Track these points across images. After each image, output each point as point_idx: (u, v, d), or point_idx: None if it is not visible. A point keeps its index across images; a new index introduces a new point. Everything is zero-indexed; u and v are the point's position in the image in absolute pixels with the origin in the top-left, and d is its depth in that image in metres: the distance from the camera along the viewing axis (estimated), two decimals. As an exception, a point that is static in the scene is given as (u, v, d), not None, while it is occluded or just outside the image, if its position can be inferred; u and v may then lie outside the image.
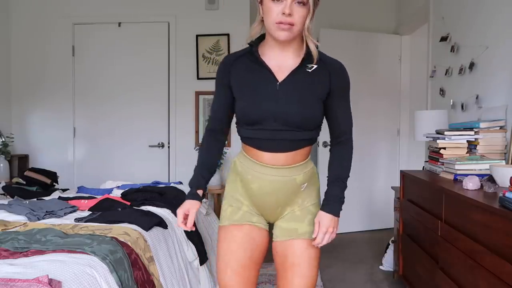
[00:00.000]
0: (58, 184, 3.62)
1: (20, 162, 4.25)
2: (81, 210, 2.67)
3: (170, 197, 2.85)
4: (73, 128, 4.44)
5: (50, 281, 1.44)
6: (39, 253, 1.75)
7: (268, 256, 1.64)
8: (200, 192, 1.58)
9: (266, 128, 1.44)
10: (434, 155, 2.62)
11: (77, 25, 4.41)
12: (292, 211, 1.55)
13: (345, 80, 1.51)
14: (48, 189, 3.40)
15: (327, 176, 1.56)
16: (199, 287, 2.56)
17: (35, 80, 4.44)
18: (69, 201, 2.77)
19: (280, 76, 1.45)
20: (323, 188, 1.57)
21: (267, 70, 1.46)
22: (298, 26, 1.39)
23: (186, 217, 1.54)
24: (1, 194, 3.16)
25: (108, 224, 2.23)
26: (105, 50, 4.40)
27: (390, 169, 4.77)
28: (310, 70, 1.45)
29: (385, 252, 3.53)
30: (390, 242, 3.47)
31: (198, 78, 4.31)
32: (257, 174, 1.50)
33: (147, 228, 2.26)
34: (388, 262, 3.46)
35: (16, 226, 2.19)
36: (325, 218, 1.49)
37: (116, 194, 3.05)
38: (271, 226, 1.62)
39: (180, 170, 4.31)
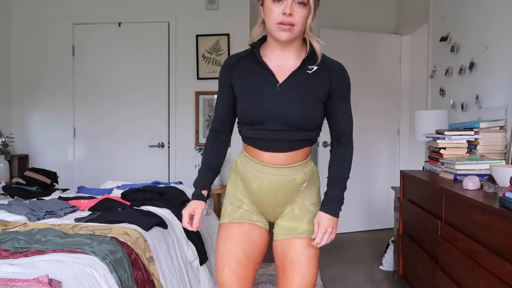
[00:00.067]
0: (58, 184, 3.62)
1: (20, 162, 4.25)
2: (81, 210, 2.67)
3: (170, 197, 2.85)
4: (73, 128, 4.44)
5: (50, 281, 1.44)
6: (39, 253, 1.75)
7: (268, 256, 1.65)
8: (205, 192, 1.60)
9: (267, 128, 1.46)
10: (434, 155, 2.62)
11: (77, 25, 4.41)
12: (292, 210, 1.56)
13: (345, 81, 1.52)
14: (48, 189, 3.40)
15: (327, 177, 1.57)
16: (199, 287, 2.56)
17: (35, 80, 4.44)
18: (69, 201, 2.77)
19: (281, 77, 1.47)
20: (323, 188, 1.58)
21: (268, 71, 1.47)
22: (298, 27, 1.40)
23: (191, 217, 1.56)
24: (1, 194, 3.16)
25: (108, 224, 2.23)
26: (105, 50, 4.40)
27: (390, 169, 4.77)
28: (310, 72, 1.46)
29: (385, 252, 3.53)
30: (390, 242, 3.47)
31: (198, 78, 4.31)
32: (258, 173, 1.51)
33: (147, 228, 2.26)
34: (388, 262, 3.46)
35: (16, 226, 2.19)
36: (324, 218, 1.50)
37: (116, 194, 3.05)
38: (271, 225, 1.63)
39: (180, 170, 4.31)
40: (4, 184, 3.36)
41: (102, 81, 4.41)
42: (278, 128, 1.45)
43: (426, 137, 2.78)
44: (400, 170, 3.00)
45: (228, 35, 4.23)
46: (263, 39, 1.52)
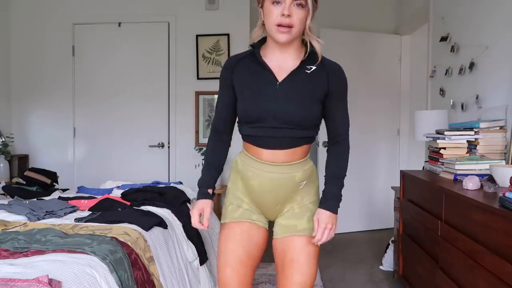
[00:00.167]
0: (58, 184, 3.62)
1: (20, 162, 4.25)
2: (81, 210, 2.67)
3: (170, 197, 2.84)
4: (73, 128, 4.44)
5: (50, 281, 1.44)
6: (39, 253, 1.75)
7: (268, 256, 1.66)
8: (210, 191, 1.63)
9: (267, 126, 1.49)
10: (434, 155, 2.62)
11: (77, 25, 4.40)
12: (291, 209, 1.58)
13: (343, 82, 1.55)
14: (48, 189, 3.40)
15: (325, 175, 1.59)
16: (199, 287, 2.56)
17: (35, 80, 4.44)
18: (69, 201, 2.77)
19: (280, 76, 1.50)
20: (322, 187, 1.59)
21: (268, 71, 1.51)
22: (296, 28, 1.44)
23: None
24: (1, 194, 3.16)
25: (108, 224, 2.23)
26: (105, 50, 4.40)
27: (390, 169, 4.77)
28: (309, 71, 1.50)
29: (385, 252, 3.53)
30: (390, 242, 3.47)
31: (198, 78, 4.31)
32: (257, 171, 1.54)
33: (147, 228, 2.26)
34: (388, 262, 3.46)
35: (16, 226, 2.19)
36: (323, 215, 1.52)
37: (116, 194, 3.05)
38: (271, 224, 1.64)
39: (180, 170, 4.31)
40: (4, 184, 3.36)
41: (102, 81, 4.41)
42: (278, 126, 1.48)
43: (426, 137, 2.78)
44: (400, 170, 3.00)
45: (228, 35, 4.23)
46: (263, 41, 1.55)
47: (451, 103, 3.16)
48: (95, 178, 4.10)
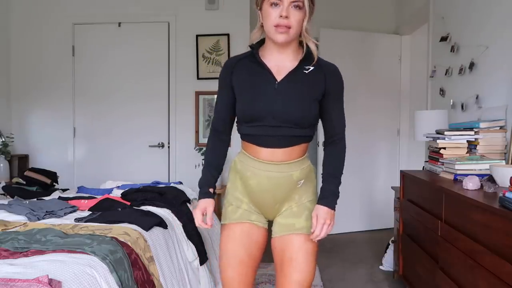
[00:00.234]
0: (58, 184, 3.62)
1: (20, 162, 4.25)
2: (81, 210, 2.67)
3: (170, 197, 2.84)
4: (73, 128, 4.44)
5: (50, 281, 1.44)
6: (39, 253, 1.75)
7: (268, 257, 1.68)
8: (211, 190, 1.66)
9: (266, 125, 1.52)
10: (434, 155, 2.62)
11: (77, 25, 4.40)
12: (289, 207, 1.60)
13: (339, 82, 1.60)
14: (48, 189, 3.40)
15: (322, 174, 1.63)
16: (199, 287, 2.56)
17: (35, 80, 4.44)
18: (69, 201, 2.77)
19: (279, 76, 1.54)
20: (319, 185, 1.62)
21: (266, 70, 1.54)
22: (294, 29, 1.48)
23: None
24: (1, 194, 3.16)
25: (108, 224, 2.23)
26: (105, 50, 4.40)
27: (390, 169, 4.77)
28: (307, 72, 1.54)
29: (385, 252, 3.53)
30: (390, 242, 3.47)
31: (198, 78, 4.31)
32: (256, 171, 1.57)
33: (147, 228, 2.26)
34: (388, 262, 3.46)
35: (16, 226, 2.19)
36: (322, 211, 1.55)
37: (116, 194, 3.05)
38: (271, 224, 1.66)
39: (180, 170, 4.31)
40: (4, 184, 3.36)
41: (102, 81, 4.41)
42: (277, 125, 1.51)
43: (426, 137, 2.78)
44: (400, 170, 3.00)
45: (228, 35, 4.23)
46: (262, 42, 1.59)
47: (451, 103, 3.16)
48: (95, 178, 4.10)
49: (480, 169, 2.22)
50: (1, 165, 3.92)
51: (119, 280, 1.75)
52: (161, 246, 2.28)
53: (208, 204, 1.62)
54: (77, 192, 3.28)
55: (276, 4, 1.45)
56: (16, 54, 4.44)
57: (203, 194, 1.64)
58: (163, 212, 2.58)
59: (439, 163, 2.53)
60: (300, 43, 1.56)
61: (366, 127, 4.61)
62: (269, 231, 1.65)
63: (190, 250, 2.56)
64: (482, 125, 2.41)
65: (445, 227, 2.10)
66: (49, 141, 4.44)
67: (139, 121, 4.37)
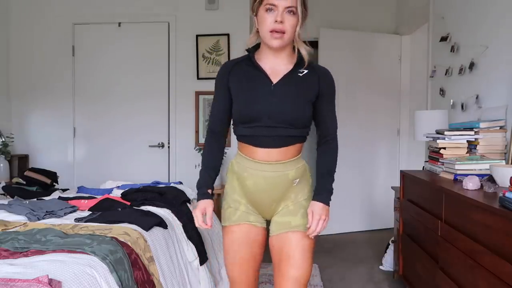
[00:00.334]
0: (58, 184, 3.62)
1: (20, 162, 4.25)
2: (81, 210, 2.67)
3: (170, 197, 2.84)
4: (73, 128, 4.44)
5: (50, 281, 1.44)
6: (39, 253, 1.75)
7: (267, 257, 1.71)
8: (209, 191, 1.70)
9: (262, 125, 1.58)
10: (434, 155, 2.62)
11: (77, 25, 4.41)
12: (286, 206, 1.66)
13: (332, 85, 1.67)
14: (48, 189, 3.40)
15: (316, 171, 1.68)
16: (199, 287, 2.56)
17: (35, 80, 4.44)
18: (69, 201, 2.77)
19: (274, 78, 1.60)
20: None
21: (263, 73, 1.61)
22: (288, 34, 1.55)
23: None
24: (1, 194, 3.16)
25: (108, 224, 2.23)
26: (105, 50, 4.40)
27: (390, 169, 4.77)
28: (301, 74, 1.61)
29: (385, 252, 3.53)
30: (390, 242, 3.47)
31: (198, 78, 4.31)
32: (252, 171, 1.62)
33: (147, 228, 2.26)
34: (388, 262, 3.46)
35: (16, 226, 2.19)
36: (317, 207, 1.60)
37: (116, 194, 3.05)
38: (269, 223, 1.71)
39: (180, 170, 4.31)
40: (4, 184, 3.36)
41: (102, 81, 4.41)
42: (273, 125, 1.57)
43: (426, 137, 2.78)
44: (400, 170, 3.00)
45: (228, 35, 4.23)
46: (257, 47, 1.66)
47: (451, 103, 3.16)
48: (95, 178, 4.10)
49: (480, 169, 2.22)
50: (1, 165, 3.92)
51: (119, 280, 1.75)
52: (161, 246, 2.28)
53: (207, 204, 1.66)
54: (77, 192, 3.28)
55: (271, 10, 1.52)
56: (16, 54, 4.44)
57: (202, 195, 1.67)
58: (163, 212, 2.58)
59: (439, 163, 2.53)
60: (294, 48, 1.62)
61: (366, 127, 4.61)
62: (267, 230, 1.70)
63: (190, 250, 2.56)
64: (482, 125, 2.41)
65: (445, 227, 2.10)
66: (49, 141, 4.44)
67: (139, 121, 4.37)
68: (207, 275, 2.64)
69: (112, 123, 4.41)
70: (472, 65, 2.82)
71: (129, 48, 4.37)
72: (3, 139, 4.05)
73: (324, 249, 4.01)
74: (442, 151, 2.48)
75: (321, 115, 1.66)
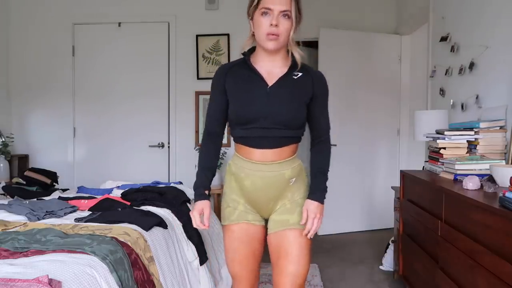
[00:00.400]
0: (58, 184, 3.62)
1: (20, 162, 4.25)
2: (81, 210, 2.67)
3: (170, 197, 2.85)
4: (73, 128, 4.44)
5: (50, 281, 1.44)
6: (39, 253, 1.75)
7: (267, 257, 1.73)
8: (206, 192, 1.73)
9: (258, 127, 1.61)
10: (434, 155, 2.62)
11: (77, 25, 4.41)
12: (283, 205, 1.69)
13: (325, 87, 1.72)
14: (48, 189, 3.40)
15: (310, 170, 1.72)
16: (199, 287, 2.56)
17: (35, 81, 4.45)
18: (69, 201, 2.77)
19: (270, 81, 1.64)
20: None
21: (258, 76, 1.65)
22: (283, 37, 1.59)
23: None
24: (1, 194, 3.16)
25: (108, 224, 2.23)
26: (105, 50, 4.40)
27: (390, 169, 4.77)
28: (296, 77, 1.66)
29: (385, 252, 3.53)
30: (390, 242, 3.47)
31: (198, 78, 4.31)
32: (249, 172, 1.65)
33: (147, 228, 2.26)
34: (388, 262, 3.46)
35: (16, 226, 2.19)
36: (312, 205, 1.64)
37: (116, 194, 3.05)
38: (267, 222, 1.74)
39: (180, 170, 4.31)
40: (4, 184, 3.36)
41: (102, 82, 4.41)
42: (269, 126, 1.60)
43: (426, 137, 2.78)
44: (400, 170, 3.00)
45: (228, 35, 4.24)
46: (253, 50, 1.72)
47: (451, 103, 3.16)
48: (95, 178, 4.11)
49: (480, 169, 2.21)
50: (1, 165, 3.92)
51: (119, 280, 1.75)
52: (161, 246, 2.28)
53: (204, 205, 1.68)
54: (77, 192, 3.28)
55: (266, 13, 1.57)
56: (16, 54, 4.45)
57: (199, 196, 1.70)
58: (163, 212, 2.58)
59: (439, 163, 2.53)
60: (288, 51, 1.67)
61: (366, 127, 4.61)
62: (266, 228, 1.73)
63: (190, 250, 2.56)
64: (482, 125, 2.41)
65: (445, 227, 2.10)
66: (49, 141, 4.45)
67: (139, 121, 4.37)
68: (207, 275, 2.64)
69: (112, 123, 4.41)
70: (472, 65, 2.82)
71: (129, 48, 4.37)
72: (3, 139, 4.05)
73: (324, 249, 4.01)
74: (442, 151, 2.48)
75: (315, 116, 1.70)
